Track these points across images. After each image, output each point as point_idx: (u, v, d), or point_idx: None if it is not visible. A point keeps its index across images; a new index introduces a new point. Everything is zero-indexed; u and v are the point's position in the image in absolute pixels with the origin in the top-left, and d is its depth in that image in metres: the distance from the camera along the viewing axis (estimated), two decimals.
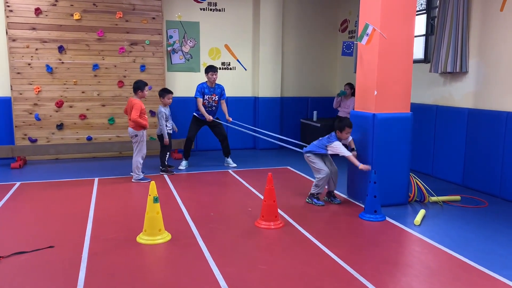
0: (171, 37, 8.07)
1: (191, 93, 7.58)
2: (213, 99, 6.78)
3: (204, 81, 6.84)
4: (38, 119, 7.27)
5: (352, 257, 3.54)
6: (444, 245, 3.80)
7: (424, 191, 5.06)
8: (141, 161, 5.95)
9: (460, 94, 5.91)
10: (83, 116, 7.48)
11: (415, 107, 6.09)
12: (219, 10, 8.33)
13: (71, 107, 7.41)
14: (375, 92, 4.77)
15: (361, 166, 4.68)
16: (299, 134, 8.98)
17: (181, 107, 7.95)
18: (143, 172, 6.02)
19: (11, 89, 7.10)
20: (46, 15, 7.14)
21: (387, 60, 4.76)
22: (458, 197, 5.18)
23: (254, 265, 3.38)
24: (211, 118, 6.68)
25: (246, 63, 8.66)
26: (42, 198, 5.17)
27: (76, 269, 3.27)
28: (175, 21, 8.08)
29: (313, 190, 4.97)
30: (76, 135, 7.49)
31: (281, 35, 8.58)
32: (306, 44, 8.98)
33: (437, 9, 6.18)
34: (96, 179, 6.04)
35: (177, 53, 8.16)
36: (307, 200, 5.05)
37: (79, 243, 3.75)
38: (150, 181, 5.66)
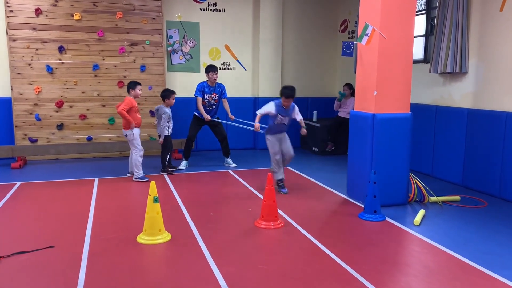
0: (171, 37, 8.08)
1: (191, 93, 7.59)
2: (213, 98, 6.79)
3: (205, 80, 6.85)
4: (38, 119, 7.27)
5: (352, 257, 3.54)
6: (443, 245, 3.81)
7: (424, 191, 5.07)
8: (140, 159, 5.98)
9: (460, 94, 5.92)
10: (83, 116, 7.49)
11: (414, 107, 6.09)
12: (219, 11, 8.34)
13: (71, 107, 7.42)
14: (375, 92, 4.78)
15: (255, 125, 5.29)
16: (299, 134, 8.97)
17: (181, 107, 7.95)
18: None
19: (12, 89, 7.11)
20: (46, 15, 7.15)
21: (387, 60, 4.76)
22: (457, 197, 5.19)
23: (254, 265, 3.39)
24: (209, 117, 6.68)
25: (246, 63, 8.67)
26: (42, 198, 5.18)
27: (76, 269, 3.28)
28: (175, 22, 8.08)
29: (274, 177, 5.06)
30: (76, 135, 7.49)
31: (281, 35, 8.58)
32: (306, 44, 8.99)
33: (436, 9, 6.19)
34: (96, 179, 6.05)
35: (177, 53, 8.17)
36: (276, 188, 5.18)
37: (79, 243, 3.76)
38: (148, 180, 5.77)
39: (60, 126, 7.39)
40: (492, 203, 5.11)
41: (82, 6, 7.29)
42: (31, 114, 7.24)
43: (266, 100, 8.48)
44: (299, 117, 5.63)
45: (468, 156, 5.70)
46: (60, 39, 7.25)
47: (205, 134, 7.50)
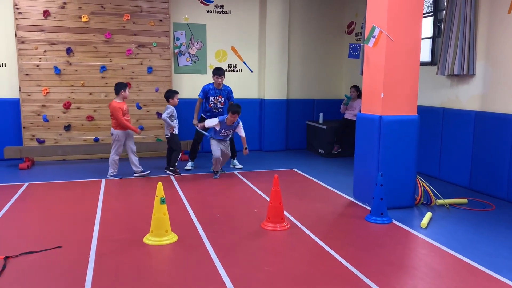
0: (178, 39, 8.11)
1: (198, 95, 7.61)
2: (219, 100, 6.80)
3: (211, 82, 6.86)
4: (46, 120, 7.33)
5: (358, 259, 3.54)
6: (450, 248, 3.79)
7: (431, 193, 5.04)
8: (116, 158, 6.23)
9: (467, 97, 5.89)
10: (90, 118, 7.53)
11: (421, 110, 6.08)
12: (226, 13, 8.36)
13: (78, 108, 7.46)
14: (382, 95, 4.77)
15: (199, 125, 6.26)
16: (305, 136, 8.99)
17: (187, 109, 7.97)
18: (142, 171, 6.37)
19: (20, 90, 7.17)
20: (55, 17, 7.21)
21: (394, 62, 4.75)
22: (465, 200, 5.16)
23: (259, 266, 3.39)
24: (196, 122, 6.67)
25: (253, 65, 8.68)
26: (49, 198, 5.21)
27: (84, 269, 3.29)
28: (182, 23, 8.12)
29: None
30: (83, 136, 7.54)
31: (287, 37, 8.59)
32: (312, 46, 8.99)
33: (444, 11, 6.17)
34: (103, 180, 6.08)
35: (184, 55, 8.19)
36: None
37: (87, 244, 3.78)
38: (121, 178, 6.17)
39: (67, 127, 7.44)
40: (499, 206, 5.08)
41: (90, 8, 7.34)
42: (39, 115, 7.30)
43: (272, 102, 8.58)
44: (242, 134, 6.30)
45: (475, 159, 5.67)
46: (68, 41, 7.30)
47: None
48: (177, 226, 4.18)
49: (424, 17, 6.27)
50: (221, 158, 6.22)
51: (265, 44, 8.46)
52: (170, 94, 6.41)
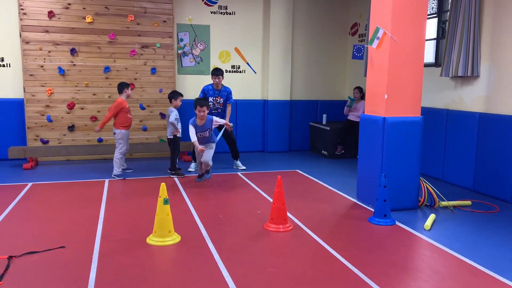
0: (181, 40, 8.12)
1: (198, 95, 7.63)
2: (218, 101, 6.81)
3: (211, 83, 6.87)
4: (50, 120, 7.35)
5: (361, 260, 3.53)
6: (454, 250, 3.78)
7: (434, 195, 5.03)
8: (120, 156, 6.30)
9: (471, 98, 5.87)
10: (94, 118, 7.55)
11: (425, 111, 6.07)
12: (230, 14, 8.37)
13: (82, 109, 7.48)
14: (386, 96, 4.76)
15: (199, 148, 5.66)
16: (308, 137, 8.98)
17: (191, 110, 7.96)
18: (126, 168, 6.56)
19: (24, 90, 7.20)
20: (59, 18, 7.23)
21: (397, 63, 4.75)
22: (468, 202, 5.14)
23: (262, 267, 3.39)
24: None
25: (256, 66, 8.69)
26: (53, 198, 5.23)
27: (87, 269, 3.30)
28: (186, 24, 8.13)
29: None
30: (87, 137, 7.56)
31: (291, 38, 8.59)
32: (316, 47, 8.98)
33: (448, 12, 6.15)
34: (107, 181, 6.09)
35: (187, 56, 8.21)
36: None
37: (90, 244, 3.79)
38: (124, 178, 6.18)
39: (71, 128, 7.46)
40: (503, 208, 5.06)
41: (94, 9, 7.36)
42: (43, 115, 7.32)
43: (276, 103, 8.58)
44: (222, 122, 6.14)
45: (479, 161, 5.64)
46: (72, 42, 7.33)
47: (219, 139, 7.51)
48: (180, 226, 4.18)
49: (428, 18, 6.26)
50: (209, 162, 5.93)
51: (269, 45, 8.46)
52: (174, 95, 6.41)
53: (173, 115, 6.26)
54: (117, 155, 6.28)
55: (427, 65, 6.52)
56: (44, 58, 7.23)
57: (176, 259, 3.60)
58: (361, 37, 8.69)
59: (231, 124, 6.37)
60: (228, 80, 8.33)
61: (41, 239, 3.90)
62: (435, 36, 6.74)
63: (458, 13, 5.83)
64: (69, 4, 7.24)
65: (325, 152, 8.25)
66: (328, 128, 8.09)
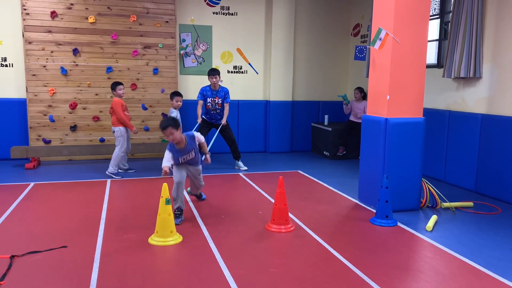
0: (184, 40, 8.13)
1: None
2: (216, 102, 6.82)
3: (209, 84, 6.89)
4: (52, 120, 7.37)
5: (363, 261, 3.53)
6: (456, 251, 3.78)
7: (436, 196, 5.02)
8: (121, 155, 6.33)
9: (473, 100, 5.86)
10: (96, 118, 7.56)
11: (427, 112, 6.06)
12: (232, 14, 8.38)
13: (84, 109, 7.49)
14: (388, 97, 4.76)
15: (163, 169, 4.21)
16: (310, 138, 8.98)
17: (193, 110, 7.99)
18: (128, 168, 6.60)
19: (27, 90, 7.22)
20: (62, 18, 7.25)
21: (400, 64, 4.74)
22: (470, 203, 5.14)
23: (264, 268, 3.39)
24: (199, 121, 6.80)
25: (258, 67, 8.69)
26: (55, 198, 5.24)
27: (89, 269, 3.31)
28: (188, 25, 8.14)
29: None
30: (89, 137, 7.57)
31: (293, 39, 8.59)
32: (318, 48, 8.98)
33: (450, 13, 6.15)
34: (109, 180, 6.10)
35: (189, 56, 8.22)
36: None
37: (92, 244, 3.79)
38: (122, 178, 6.18)
39: (73, 128, 7.47)
40: (506, 209, 5.05)
41: (97, 9, 7.38)
42: (45, 115, 7.34)
43: (278, 104, 8.58)
44: (202, 140, 4.64)
45: (481, 162, 5.64)
46: (75, 42, 7.34)
47: (216, 137, 7.52)
48: (182, 227, 4.19)
49: (430, 19, 6.26)
50: (182, 181, 4.47)
51: (271, 45, 8.46)
52: (171, 96, 6.52)
53: (172, 115, 6.27)
54: (118, 153, 6.30)
55: (429, 66, 6.52)
56: (47, 58, 7.25)
57: (178, 259, 3.60)
58: (363, 38, 8.68)
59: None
60: (230, 81, 8.34)
61: (43, 238, 3.91)
62: (437, 37, 6.74)
63: (460, 14, 5.82)
64: (71, 4, 7.26)
65: (326, 153, 8.25)
66: (330, 129, 8.09)
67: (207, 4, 8.21)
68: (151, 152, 7.76)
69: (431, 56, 6.74)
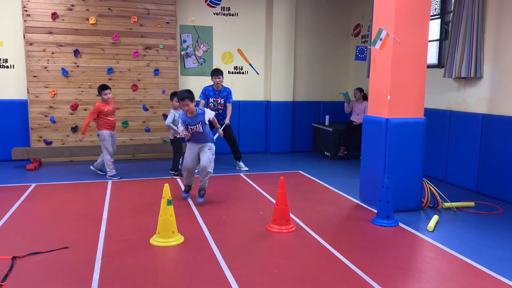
0: (184, 41, 8.14)
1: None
2: (218, 102, 6.82)
3: (211, 84, 6.88)
4: (53, 121, 7.38)
5: (364, 262, 3.53)
6: (457, 251, 3.77)
7: (438, 197, 5.02)
8: (111, 158, 6.29)
9: (474, 100, 5.86)
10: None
11: (428, 112, 6.05)
12: (232, 15, 8.38)
13: (85, 110, 7.50)
14: (389, 97, 4.76)
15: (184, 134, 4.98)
16: (311, 139, 8.98)
17: None
18: (100, 169, 6.55)
19: (28, 92, 7.23)
20: (63, 20, 7.26)
21: (400, 65, 4.74)
22: (472, 203, 5.13)
23: (266, 268, 3.39)
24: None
25: (259, 67, 8.70)
26: (56, 199, 5.25)
27: (90, 270, 3.31)
28: (189, 26, 8.15)
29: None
30: (90, 138, 7.57)
31: (293, 39, 8.60)
32: (318, 48, 8.99)
33: (451, 13, 6.15)
34: (110, 181, 6.11)
35: (190, 57, 8.22)
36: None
37: (93, 244, 3.80)
38: (120, 178, 6.20)
39: (74, 129, 7.48)
40: (507, 209, 5.04)
41: (98, 11, 7.39)
42: (46, 116, 7.35)
43: (278, 104, 8.58)
44: (209, 117, 5.00)
45: (482, 162, 5.63)
46: (76, 43, 7.36)
47: (216, 138, 7.52)
48: (183, 227, 4.19)
49: (431, 19, 6.27)
50: (191, 170, 5.07)
51: (272, 46, 8.47)
52: (171, 96, 6.46)
53: (169, 117, 6.27)
54: (107, 157, 6.26)
55: (430, 66, 6.51)
56: (48, 59, 7.26)
57: (179, 260, 3.60)
58: (364, 38, 8.69)
59: (222, 130, 5.90)
60: (230, 81, 8.34)
61: (44, 239, 3.92)
62: (438, 37, 6.74)
63: (461, 14, 5.82)
64: (72, 5, 7.27)
65: (327, 153, 8.25)
66: (331, 129, 8.09)
67: (208, 5, 8.22)
68: (152, 152, 7.77)
69: (432, 56, 6.74)
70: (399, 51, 4.71)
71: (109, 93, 6.27)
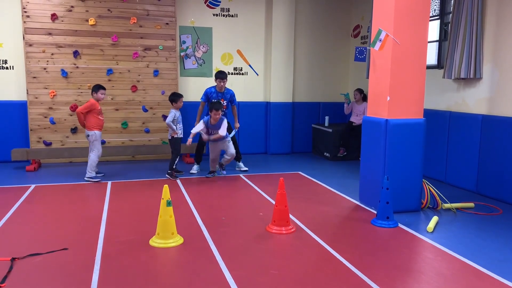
0: (184, 42, 8.14)
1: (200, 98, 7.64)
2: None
3: (214, 85, 6.88)
4: (53, 122, 7.37)
5: (364, 263, 3.52)
6: (457, 252, 3.77)
7: (437, 197, 5.02)
8: (96, 160, 6.20)
9: (474, 100, 5.86)
10: None
11: (428, 113, 6.05)
12: (232, 16, 8.38)
13: None
14: (388, 98, 4.76)
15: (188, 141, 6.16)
16: (311, 139, 8.98)
17: (193, 112, 8.00)
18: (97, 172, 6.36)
19: (27, 93, 7.23)
20: (62, 21, 7.26)
21: (400, 65, 4.75)
22: (471, 204, 5.13)
23: (265, 269, 3.39)
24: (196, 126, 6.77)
25: (258, 68, 8.70)
26: (56, 200, 5.24)
27: (90, 271, 3.30)
28: (188, 27, 8.15)
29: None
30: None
31: (293, 40, 8.60)
32: (318, 49, 8.99)
33: (450, 14, 6.15)
34: (109, 183, 6.10)
35: (190, 58, 8.22)
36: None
37: (93, 246, 3.79)
38: (100, 181, 6.11)
39: (74, 130, 7.48)
40: (507, 210, 5.04)
41: (97, 12, 7.39)
42: (46, 117, 7.34)
43: (278, 105, 8.59)
44: (220, 132, 6.20)
45: (482, 163, 5.63)
46: (75, 44, 7.35)
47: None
48: (183, 228, 4.18)
49: (430, 20, 6.27)
50: (216, 158, 6.41)
51: (271, 47, 8.47)
52: (174, 97, 6.40)
53: (170, 116, 6.26)
54: (93, 158, 6.16)
55: (429, 67, 6.51)
56: (47, 61, 7.26)
57: (179, 261, 3.60)
58: (363, 39, 8.69)
59: (237, 126, 6.90)
60: (230, 82, 8.33)
61: (44, 241, 3.91)
62: (438, 38, 6.74)
63: (460, 15, 5.83)
64: (72, 6, 7.27)
65: (327, 154, 8.24)
66: (330, 130, 8.09)
67: (207, 6, 8.22)
68: (152, 154, 7.76)
69: (432, 57, 6.74)
70: (399, 52, 4.71)
71: (105, 93, 6.30)
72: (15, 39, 7.26)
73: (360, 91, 7.96)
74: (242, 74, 8.59)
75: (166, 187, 3.84)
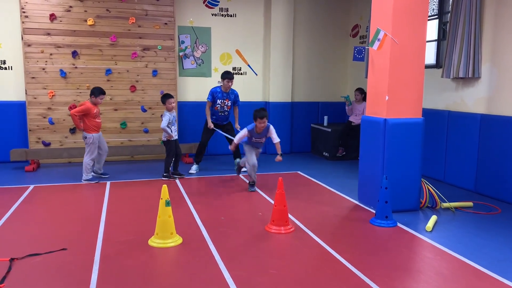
0: (183, 42, 8.14)
1: (203, 97, 7.64)
2: (225, 104, 6.81)
3: (218, 85, 6.87)
4: (51, 123, 7.37)
5: (363, 262, 3.52)
6: (456, 251, 3.77)
7: (436, 197, 5.02)
8: (91, 163, 6.19)
9: (473, 100, 5.87)
10: None
11: (427, 113, 6.07)
12: (231, 16, 8.38)
13: None
14: (387, 97, 4.76)
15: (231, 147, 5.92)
16: (310, 139, 8.98)
17: (192, 112, 8.02)
18: (103, 173, 6.42)
19: (26, 93, 7.22)
20: (61, 21, 7.25)
21: (398, 65, 4.75)
22: (470, 204, 5.14)
23: (264, 269, 3.39)
24: (212, 126, 6.73)
25: (257, 68, 8.70)
26: (55, 201, 5.24)
27: (89, 271, 3.30)
28: (187, 27, 8.15)
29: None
30: None
31: (292, 40, 8.60)
32: (317, 49, 8.99)
33: (449, 14, 6.16)
34: (108, 183, 6.10)
35: (188, 58, 8.22)
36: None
37: (92, 246, 3.79)
38: (98, 182, 6.08)
39: (73, 130, 7.47)
40: (505, 209, 5.05)
41: (96, 12, 7.38)
42: (44, 118, 7.34)
43: (277, 105, 8.58)
44: (275, 139, 5.77)
45: (481, 162, 5.64)
46: (74, 44, 7.35)
47: (215, 138, 7.52)
48: (182, 228, 4.18)
49: (429, 19, 6.27)
50: (256, 164, 5.71)
51: (270, 47, 8.47)
52: (163, 99, 6.33)
53: (165, 120, 6.20)
54: (87, 161, 6.12)
55: (428, 67, 6.52)
56: (46, 61, 7.25)
57: (178, 261, 3.60)
58: (362, 38, 8.69)
59: (280, 158, 6.00)
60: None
61: (43, 241, 3.91)
62: (436, 38, 6.75)
63: (459, 14, 5.83)
64: (70, 7, 7.26)
65: (326, 154, 8.25)
66: (329, 130, 8.09)
67: (206, 5, 8.22)
68: (151, 154, 7.76)
69: (430, 57, 6.74)
70: (397, 52, 4.72)
71: (103, 98, 6.29)
72: (14, 40, 7.25)
73: (361, 91, 7.95)
74: (241, 74, 8.59)
75: (165, 187, 3.84)
